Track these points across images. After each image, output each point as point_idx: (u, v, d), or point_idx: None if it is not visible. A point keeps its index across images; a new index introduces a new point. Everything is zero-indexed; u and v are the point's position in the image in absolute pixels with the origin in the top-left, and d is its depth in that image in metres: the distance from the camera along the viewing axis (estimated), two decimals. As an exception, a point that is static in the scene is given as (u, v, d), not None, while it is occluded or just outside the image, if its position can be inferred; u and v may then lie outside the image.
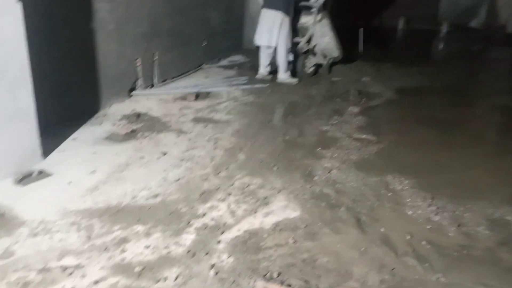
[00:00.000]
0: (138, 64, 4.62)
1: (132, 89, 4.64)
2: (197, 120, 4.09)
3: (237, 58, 6.98)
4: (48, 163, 3.04)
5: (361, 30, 7.19)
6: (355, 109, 4.57)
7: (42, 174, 2.86)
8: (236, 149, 3.45)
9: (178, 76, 5.53)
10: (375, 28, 9.10)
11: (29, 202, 2.54)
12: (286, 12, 5.28)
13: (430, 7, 12.15)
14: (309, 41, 5.65)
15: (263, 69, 5.65)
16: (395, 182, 2.98)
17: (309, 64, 5.91)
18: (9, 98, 2.74)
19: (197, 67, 6.04)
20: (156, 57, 4.94)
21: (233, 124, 4.03)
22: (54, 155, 3.17)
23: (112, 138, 3.53)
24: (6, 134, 2.76)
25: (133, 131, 3.65)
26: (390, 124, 4.27)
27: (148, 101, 4.54)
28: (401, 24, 10.72)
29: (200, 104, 4.59)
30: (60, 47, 3.60)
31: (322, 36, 5.61)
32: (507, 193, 2.88)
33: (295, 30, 5.59)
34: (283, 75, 5.55)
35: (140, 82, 4.72)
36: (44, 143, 3.06)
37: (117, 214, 2.47)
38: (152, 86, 4.97)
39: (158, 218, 2.45)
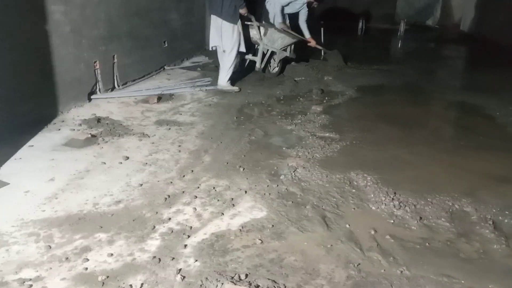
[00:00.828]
0: (96, 67, 4.50)
1: (92, 93, 4.51)
2: (160, 122, 4.02)
3: (200, 59, 6.94)
4: (4, 172, 2.91)
5: (322, 30, 7.31)
6: (318, 108, 4.63)
7: (-4, 184, 2.73)
8: (201, 151, 3.42)
9: (140, 78, 5.43)
10: (336, 28, 9.25)
11: (-17, 214, 2.42)
12: (228, 19, 5.00)
13: (388, 7, 12.55)
14: (263, 56, 5.68)
15: None
16: (359, 178, 3.04)
17: (273, 64, 5.94)
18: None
19: (159, 68, 5.96)
20: (115, 60, 4.82)
21: (197, 126, 3.99)
22: (10, 163, 3.04)
23: (71, 144, 3.41)
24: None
25: (93, 136, 3.54)
26: (352, 122, 4.34)
27: (108, 104, 4.43)
28: (361, 23, 10.97)
29: (163, 106, 4.52)
30: (12, 51, 3.45)
31: (274, 42, 5.67)
32: (464, 186, 3.00)
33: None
34: (223, 82, 5.22)
35: (99, 85, 4.59)
36: (-2, 152, 2.93)
37: (78, 223, 2.39)
38: (113, 89, 4.85)
39: (122, 224, 2.38)
